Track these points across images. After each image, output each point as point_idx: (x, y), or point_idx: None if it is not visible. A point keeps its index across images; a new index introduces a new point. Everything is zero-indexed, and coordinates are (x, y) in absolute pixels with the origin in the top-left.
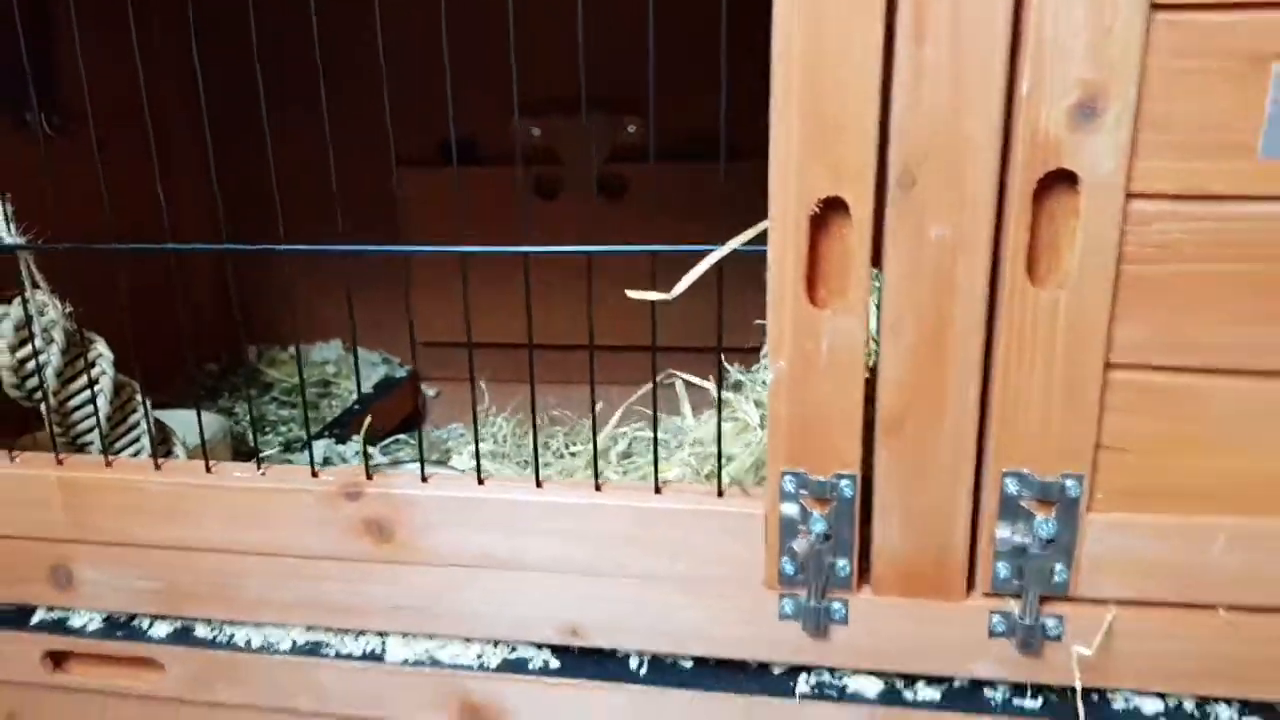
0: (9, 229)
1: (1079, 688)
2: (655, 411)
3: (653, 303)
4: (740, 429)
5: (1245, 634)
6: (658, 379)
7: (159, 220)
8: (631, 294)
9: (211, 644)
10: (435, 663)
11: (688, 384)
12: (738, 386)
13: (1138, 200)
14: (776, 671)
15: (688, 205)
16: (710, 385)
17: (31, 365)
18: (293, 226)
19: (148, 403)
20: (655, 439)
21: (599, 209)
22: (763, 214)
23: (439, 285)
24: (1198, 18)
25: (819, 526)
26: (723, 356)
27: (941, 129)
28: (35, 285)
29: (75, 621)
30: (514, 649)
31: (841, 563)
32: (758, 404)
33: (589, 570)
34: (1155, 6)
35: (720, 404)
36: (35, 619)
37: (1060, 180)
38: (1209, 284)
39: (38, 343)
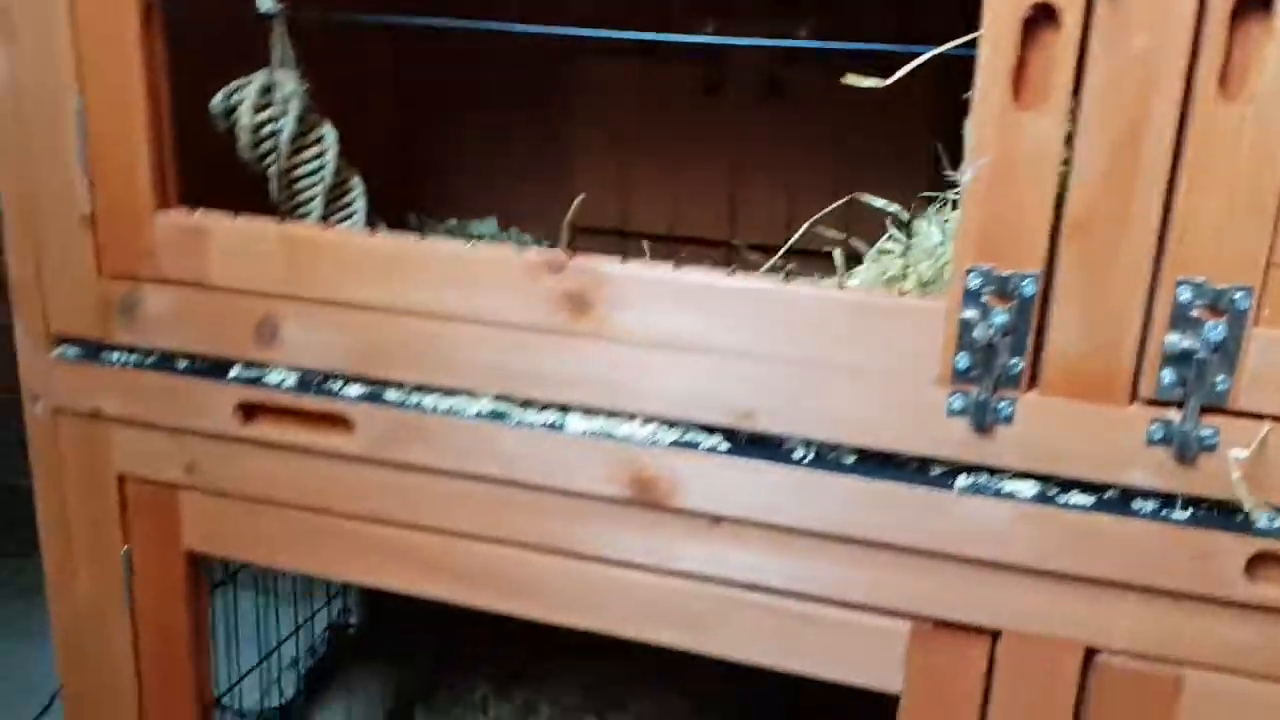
0: None
1: (1238, 476)
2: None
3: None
4: (924, 255)
5: None
6: (848, 198)
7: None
8: (848, 79)
9: (401, 406)
10: (610, 437)
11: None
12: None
13: None
14: (936, 472)
15: (851, 109)
16: (897, 209)
17: (267, 130)
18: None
19: (363, 186)
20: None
21: (760, 108)
22: (919, 127)
23: (599, 173)
24: None
25: (999, 319)
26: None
27: None
28: (281, 58)
29: (271, 379)
30: (686, 430)
31: (1014, 361)
32: (945, 222)
33: (768, 357)
34: None
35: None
36: (232, 373)
37: (1258, 2)
38: None
39: (275, 110)
